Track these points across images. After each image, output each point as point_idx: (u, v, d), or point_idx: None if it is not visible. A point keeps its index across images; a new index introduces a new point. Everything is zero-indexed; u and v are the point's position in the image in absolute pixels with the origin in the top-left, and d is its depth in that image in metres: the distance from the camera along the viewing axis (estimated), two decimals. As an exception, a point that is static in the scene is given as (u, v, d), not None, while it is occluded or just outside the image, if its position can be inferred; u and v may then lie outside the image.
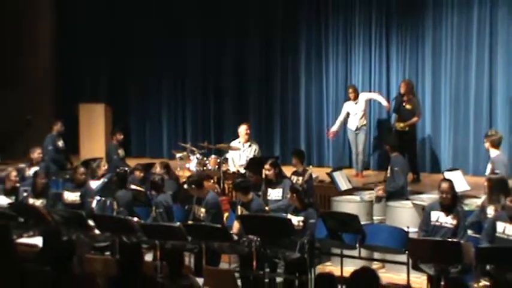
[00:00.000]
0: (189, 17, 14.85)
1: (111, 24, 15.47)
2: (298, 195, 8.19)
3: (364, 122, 12.22)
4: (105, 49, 15.75)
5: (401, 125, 11.68)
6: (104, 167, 10.48)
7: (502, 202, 7.95)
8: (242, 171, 11.07)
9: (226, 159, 11.72)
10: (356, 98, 12.16)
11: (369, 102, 12.49)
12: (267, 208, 8.81)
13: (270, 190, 9.20)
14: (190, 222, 8.51)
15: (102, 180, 9.93)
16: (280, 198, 9.00)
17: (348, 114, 12.25)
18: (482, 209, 8.17)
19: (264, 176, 9.52)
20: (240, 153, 11.63)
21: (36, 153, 11.20)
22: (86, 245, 8.50)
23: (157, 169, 10.11)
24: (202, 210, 8.55)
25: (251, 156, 11.55)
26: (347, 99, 12.40)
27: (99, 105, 15.02)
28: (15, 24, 15.18)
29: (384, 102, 12.30)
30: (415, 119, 11.78)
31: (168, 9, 14.85)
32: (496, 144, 9.30)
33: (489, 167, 9.14)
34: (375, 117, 12.94)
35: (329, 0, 13.48)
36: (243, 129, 11.74)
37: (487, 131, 10.21)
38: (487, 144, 9.38)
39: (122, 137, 12.91)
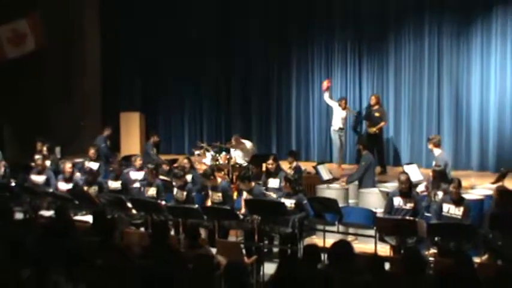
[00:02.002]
0: (207, 53, 14.77)
1: (143, 51, 15.34)
2: (290, 183, 8.21)
3: (342, 125, 12.14)
4: (139, 70, 15.65)
5: (374, 129, 11.67)
6: (140, 161, 10.47)
7: (445, 187, 8.01)
8: (244, 164, 11.08)
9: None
10: (345, 107, 12.12)
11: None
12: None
13: (269, 180, 9.13)
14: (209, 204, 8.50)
15: (144, 172, 9.85)
16: (277, 186, 8.88)
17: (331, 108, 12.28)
18: (429, 194, 8.22)
19: (265, 168, 9.49)
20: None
21: (92, 152, 11.22)
22: (125, 222, 8.49)
23: (186, 163, 10.01)
24: (219, 194, 8.46)
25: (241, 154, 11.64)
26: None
27: (135, 113, 14.94)
28: (68, 51, 15.13)
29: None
30: (383, 123, 11.76)
31: (191, 44, 14.83)
32: (437, 145, 9.35)
33: (434, 162, 9.20)
34: (350, 123, 12.86)
35: (315, 32, 13.41)
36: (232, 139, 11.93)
37: (428, 136, 10.32)
38: (430, 146, 9.44)
39: (158, 139, 12.88)
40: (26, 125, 14.68)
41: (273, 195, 8.65)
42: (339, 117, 12.05)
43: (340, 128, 12.03)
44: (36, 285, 4.52)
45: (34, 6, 14.14)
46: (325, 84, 12.44)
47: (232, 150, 11.67)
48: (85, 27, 15.39)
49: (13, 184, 10.40)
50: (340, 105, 12.10)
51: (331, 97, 12.40)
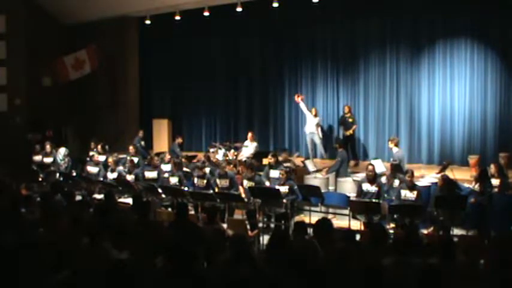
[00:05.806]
0: (219, 75, 14.70)
1: (171, 73, 15.34)
2: (286, 173, 8.20)
3: (314, 130, 11.99)
4: (167, 88, 15.64)
5: (348, 132, 11.67)
6: (168, 156, 10.44)
7: (400, 177, 8.01)
8: (248, 158, 11.07)
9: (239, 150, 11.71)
10: (316, 115, 12.08)
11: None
12: (267, 183, 8.70)
13: (271, 171, 9.08)
14: (217, 189, 8.49)
15: (171, 165, 9.83)
16: (277, 176, 8.71)
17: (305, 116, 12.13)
18: (388, 182, 8.25)
19: (268, 162, 9.45)
20: (248, 148, 11.61)
21: (131, 148, 11.23)
22: (157, 204, 8.52)
23: (204, 158, 10.01)
24: (227, 180, 8.51)
25: (253, 149, 11.53)
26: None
27: (164, 120, 14.92)
28: (114, 73, 15.16)
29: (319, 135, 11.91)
30: (355, 126, 11.77)
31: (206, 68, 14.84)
32: (396, 144, 9.39)
33: (392, 158, 9.24)
34: (328, 127, 12.85)
35: (303, 57, 13.33)
36: (249, 135, 11.88)
37: (389, 136, 10.32)
38: (391, 145, 9.47)
39: (181, 140, 12.87)
40: (83, 128, 14.75)
41: (267, 183, 8.65)
42: (311, 123, 12.00)
43: (311, 132, 11.98)
44: (91, 249, 4.56)
45: (92, 40, 14.45)
46: (296, 98, 12.31)
47: (244, 146, 11.61)
48: (127, 56, 15.38)
49: (74, 174, 10.48)
50: (311, 111, 12.05)
51: (308, 109, 12.30)
